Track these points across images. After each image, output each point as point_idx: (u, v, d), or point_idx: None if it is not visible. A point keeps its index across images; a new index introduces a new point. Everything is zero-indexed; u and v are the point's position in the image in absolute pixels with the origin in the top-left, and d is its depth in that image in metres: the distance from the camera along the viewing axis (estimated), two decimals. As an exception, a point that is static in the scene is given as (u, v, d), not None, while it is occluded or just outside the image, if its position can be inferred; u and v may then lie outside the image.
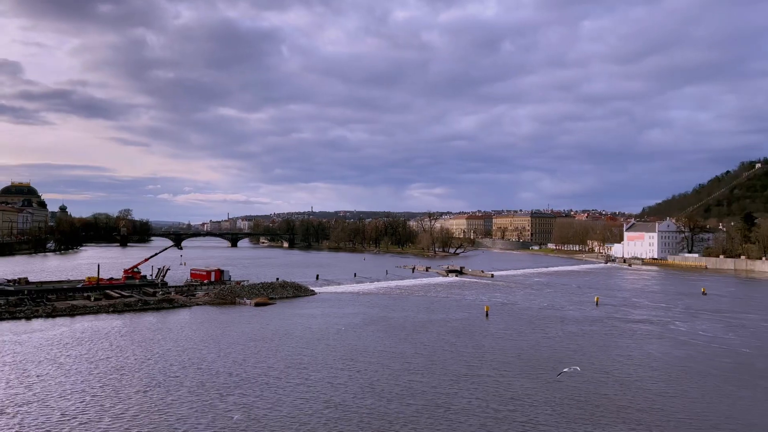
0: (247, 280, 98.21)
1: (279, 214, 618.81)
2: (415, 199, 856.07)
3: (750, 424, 33.06)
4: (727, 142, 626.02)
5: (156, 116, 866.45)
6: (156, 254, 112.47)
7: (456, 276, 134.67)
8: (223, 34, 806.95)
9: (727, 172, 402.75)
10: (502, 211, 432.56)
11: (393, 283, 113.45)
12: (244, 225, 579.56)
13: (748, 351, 53.22)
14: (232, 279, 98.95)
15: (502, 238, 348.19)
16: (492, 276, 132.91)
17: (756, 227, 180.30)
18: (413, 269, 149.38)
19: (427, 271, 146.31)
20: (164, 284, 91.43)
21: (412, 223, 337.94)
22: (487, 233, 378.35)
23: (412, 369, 44.52)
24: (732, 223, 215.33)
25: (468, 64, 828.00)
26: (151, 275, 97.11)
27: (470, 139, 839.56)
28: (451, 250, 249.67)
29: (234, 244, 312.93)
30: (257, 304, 78.76)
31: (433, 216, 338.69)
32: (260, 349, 50.54)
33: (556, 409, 35.13)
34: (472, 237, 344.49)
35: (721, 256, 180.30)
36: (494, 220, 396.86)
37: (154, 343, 52.97)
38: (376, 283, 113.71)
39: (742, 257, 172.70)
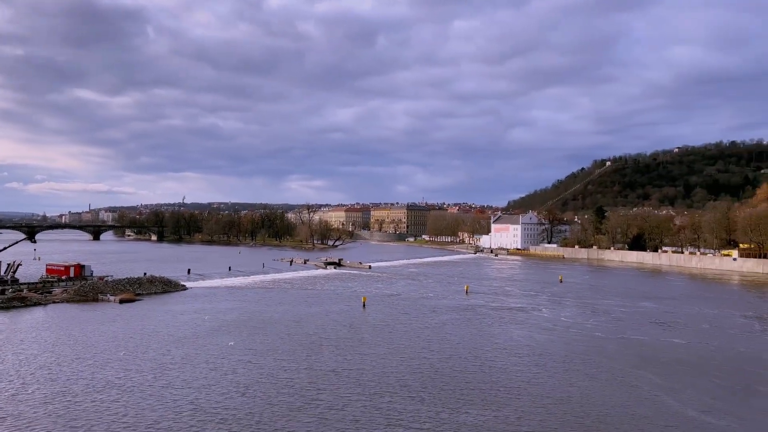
0: (111, 276, 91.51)
1: (147, 206, 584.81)
2: (293, 191, 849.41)
3: (603, 404, 36.10)
4: (583, 142, 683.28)
5: (3, 96, 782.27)
6: (5, 248, 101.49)
7: (335, 268, 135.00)
8: (80, 9, 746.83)
9: (582, 169, 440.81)
10: (380, 203, 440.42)
11: (270, 277, 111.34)
12: (107, 216, 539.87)
13: (601, 335, 58.23)
14: (94, 274, 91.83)
15: (380, 230, 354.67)
16: (370, 267, 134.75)
17: (606, 220, 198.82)
18: (291, 262, 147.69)
19: (305, 263, 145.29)
20: (15, 281, 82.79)
21: (291, 216, 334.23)
22: (366, 225, 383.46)
23: (287, 367, 43.83)
24: (586, 216, 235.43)
25: (344, 57, 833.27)
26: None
27: (348, 132, 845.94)
28: (330, 243, 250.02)
29: (96, 237, 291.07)
30: (122, 301, 73.75)
31: (312, 208, 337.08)
32: (124, 350, 47.25)
33: (426, 395, 36.16)
34: (350, 229, 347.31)
35: (576, 246, 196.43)
36: (372, 213, 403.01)
37: (0, 347, 47.73)
38: (252, 276, 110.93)
39: (594, 247, 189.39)
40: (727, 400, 36.27)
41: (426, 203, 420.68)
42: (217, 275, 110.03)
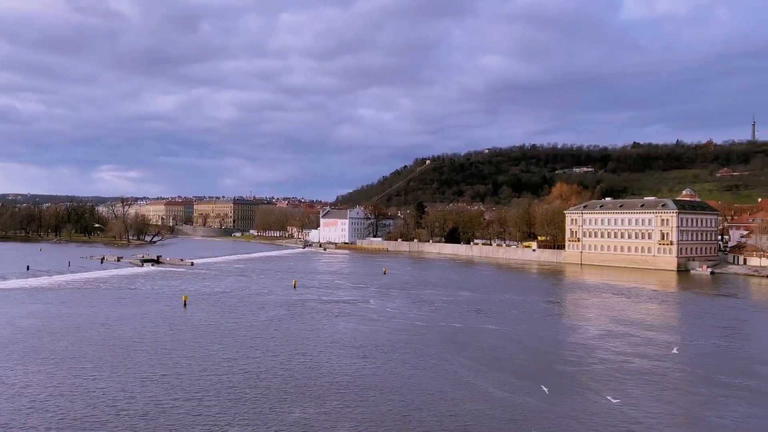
0: None
1: None
2: (106, 182, 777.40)
3: (422, 390, 37.88)
4: (406, 140, 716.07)
5: None
6: None
7: (152, 265, 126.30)
8: None
9: (405, 166, 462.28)
10: (204, 197, 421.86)
11: (78, 276, 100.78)
12: None
13: (422, 324, 61.30)
14: None
15: (204, 225, 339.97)
16: (192, 264, 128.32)
17: (426, 215, 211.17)
18: (102, 260, 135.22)
19: (118, 261, 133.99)
20: None
21: (102, 209, 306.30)
22: (189, 220, 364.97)
23: (94, 375, 39.82)
24: (408, 211, 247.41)
25: (164, 41, 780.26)
26: None
27: (169, 121, 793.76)
28: (148, 238, 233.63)
29: None
30: None
31: (127, 201, 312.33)
32: None
33: (251, 395, 35.12)
34: (171, 224, 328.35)
35: (399, 240, 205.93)
36: (196, 207, 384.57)
37: None
38: (56, 276, 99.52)
39: (415, 240, 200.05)
40: (531, 379, 40.11)
41: (254, 197, 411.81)
42: (12, 275, 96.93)
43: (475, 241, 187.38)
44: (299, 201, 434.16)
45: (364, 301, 76.85)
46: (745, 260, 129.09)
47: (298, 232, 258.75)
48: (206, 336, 52.61)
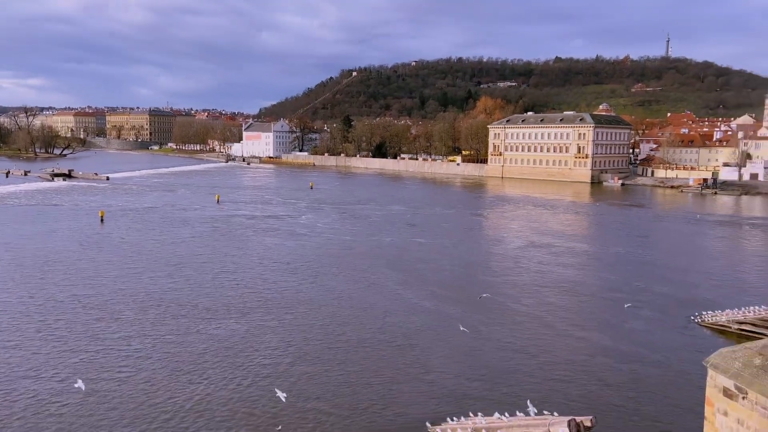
0: None
1: None
2: (4, 90, 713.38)
3: (354, 303, 38.45)
4: (331, 50, 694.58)
5: None
6: None
7: (64, 180, 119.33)
8: None
9: (331, 78, 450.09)
10: (117, 108, 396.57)
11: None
12: None
13: (353, 239, 61.60)
14: None
15: (119, 137, 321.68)
16: (108, 179, 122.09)
17: (352, 128, 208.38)
18: (8, 174, 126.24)
19: (26, 175, 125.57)
20: None
21: (3, 120, 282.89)
22: (101, 132, 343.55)
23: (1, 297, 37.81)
24: (334, 125, 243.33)
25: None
26: None
27: (72, 23, 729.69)
28: (58, 151, 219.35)
29: None
30: None
31: (32, 111, 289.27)
32: None
33: (176, 312, 34.54)
34: (83, 136, 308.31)
35: (326, 154, 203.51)
36: (108, 118, 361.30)
37: None
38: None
39: (342, 155, 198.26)
40: (455, 290, 41.58)
41: (171, 109, 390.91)
42: None
43: (402, 155, 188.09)
44: (220, 113, 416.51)
45: (292, 217, 76.17)
46: (652, 172, 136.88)
47: (220, 145, 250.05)
48: (124, 254, 50.71)
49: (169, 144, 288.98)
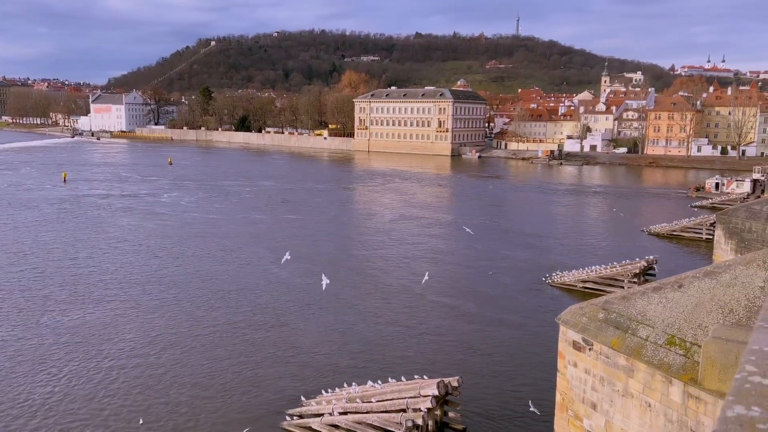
0: None
1: None
2: None
3: (222, 282, 37.34)
4: (186, 17, 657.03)
5: None
6: None
7: None
8: None
9: (187, 47, 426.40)
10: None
11: None
12: None
13: (219, 217, 59.35)
14: None
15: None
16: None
17: (213, 101, 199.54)
18: None
19: None
20: None
21: None
22: None
23: None
24: (193, 97, 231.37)
25: None
26: None
27: None
28: None
29: None
30: None
31: None
32: None
33: (19, 300, 31.55)
34: None
35: (185, 128, 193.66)
36: None
37: None
38: None
39: (203, 128, 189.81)
40: (323, 267, 41.82)
41: (4, 78, 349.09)
42: None
43: (267, 129, 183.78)
44: (62, 83, 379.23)
45: (153, 196, 71.85)
46: (506, 145, 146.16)
47: (65, 119, 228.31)
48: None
49: (4, 117, 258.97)
